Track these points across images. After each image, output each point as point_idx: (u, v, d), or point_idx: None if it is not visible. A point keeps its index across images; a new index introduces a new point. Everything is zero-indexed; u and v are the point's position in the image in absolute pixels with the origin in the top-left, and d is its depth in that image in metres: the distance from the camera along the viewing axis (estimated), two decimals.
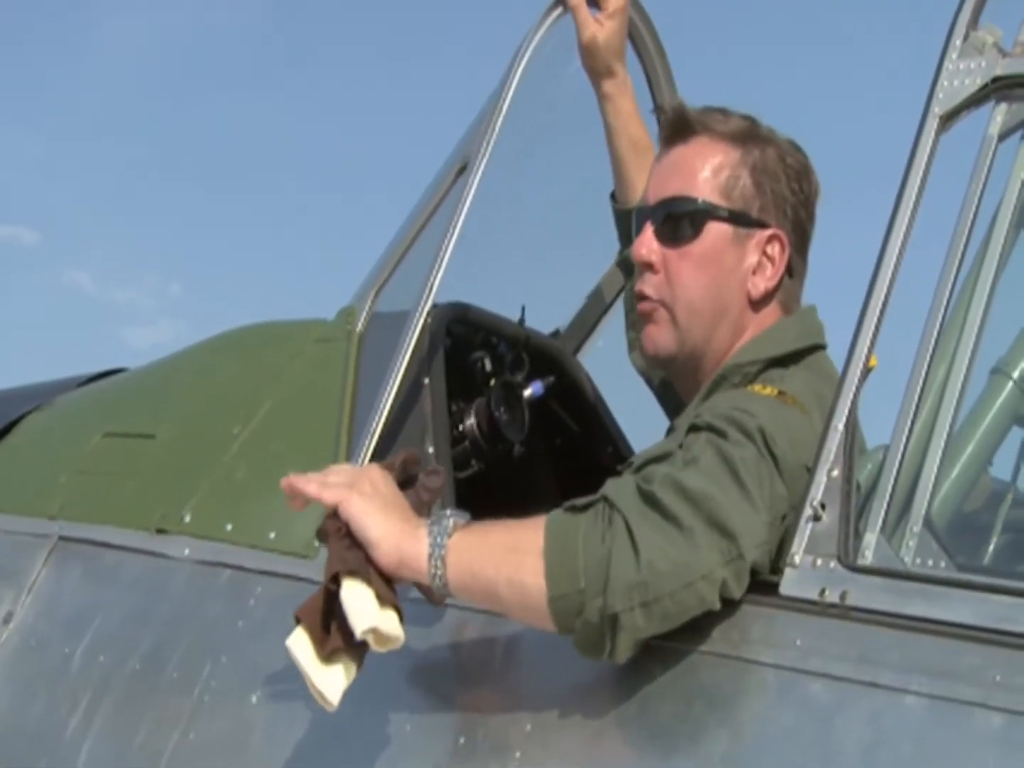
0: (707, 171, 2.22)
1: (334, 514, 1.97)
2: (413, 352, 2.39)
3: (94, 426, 3.00)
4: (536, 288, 3.04)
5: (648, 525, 1.80)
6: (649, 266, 2.24)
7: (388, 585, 1.93)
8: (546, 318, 3.01)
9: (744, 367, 2.15)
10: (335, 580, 1.94)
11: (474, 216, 2.44)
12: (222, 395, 2.83)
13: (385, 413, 2.35)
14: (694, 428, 1.94)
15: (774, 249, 2.22)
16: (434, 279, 2.40)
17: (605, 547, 1.80)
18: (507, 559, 1.88)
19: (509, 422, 2.71)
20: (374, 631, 1.91)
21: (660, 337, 2.24)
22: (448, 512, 1.96)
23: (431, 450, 2.46)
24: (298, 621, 1.98)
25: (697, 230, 2.20)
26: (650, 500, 1.82)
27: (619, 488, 1.87)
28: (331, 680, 1.95)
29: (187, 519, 2.59)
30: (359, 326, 2.68)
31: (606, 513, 1.83)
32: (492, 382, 2.74)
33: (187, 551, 2.55)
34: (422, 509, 2.03)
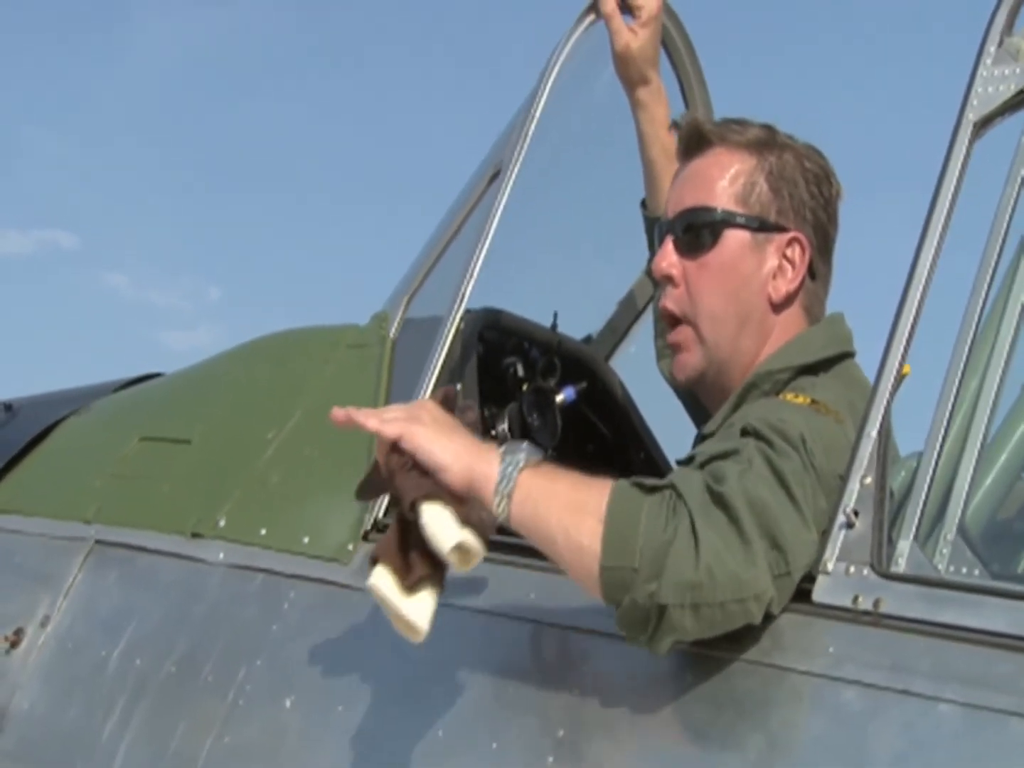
0: (724, 180, 2.23)
1: (394, 449, 1.96)
2: (446, 357, 2.41)
3: (130, 431, 3.03)
4: (568, 294, 3.05)
5: (712, 527, 1.78)
6: (669, 279, 2.26)
7: (462, 504, 1.93)
8: (578, 324, 3.01)
9: (775, 374, 2.14)
10: (412, 508, 1.94)
11: (506, 222, 2.44)
12: (256, 400, 2.85)
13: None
14: (742, 432, 1.93)
15: (794, 252, 2.22)
16: (467, 285, 2.41)
17: (667, 535, 1.78)
18: (569, 514, 1.86)
19: (541, 427, 2.72)
20: (459, 547, 1.91)
21: (689, 360, 2.26)
22: (523, 445, 1.94)
23: None
24: (375, 562, 1.98)
25: (715, 239, 2.22)
26: (719, 501, 1.80)
27: (687, 480, 1.85)
28: (419, 608, 1.96)
29: (222, 523, 2.61)
30: (392, 331, 2.69)
31: (672, 501, 1.82)
32: (524, 387, 2.75)
33: (222, 555, 2.57)
34: None
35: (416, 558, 1.95)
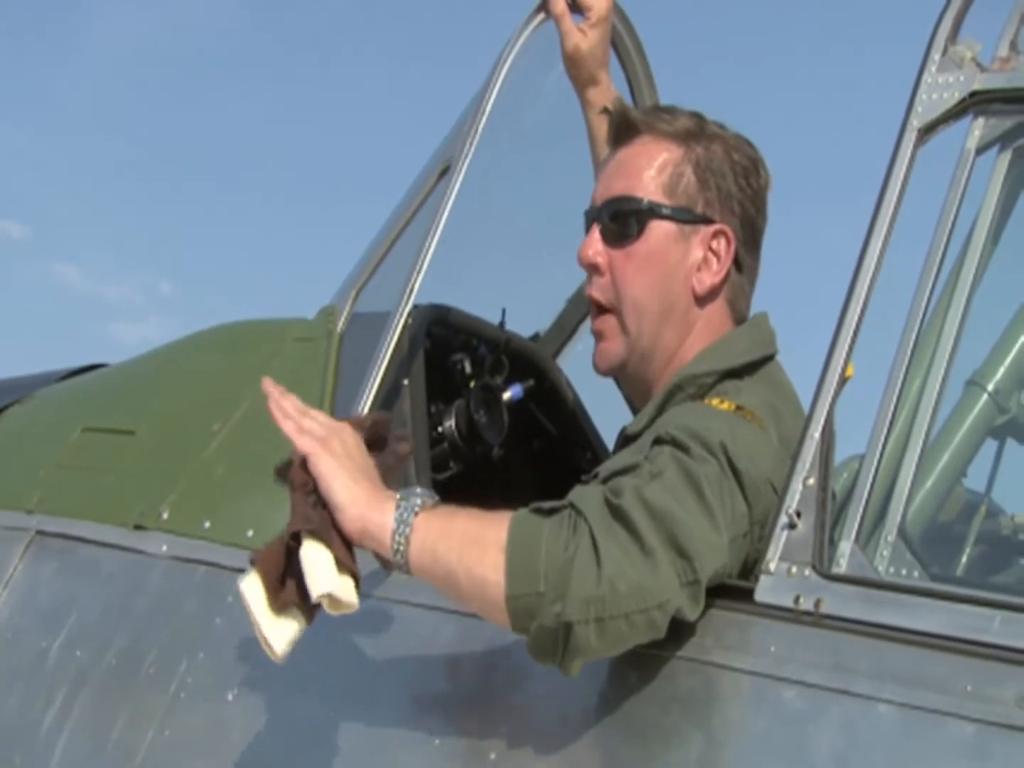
0: (651, 170, 2.23)
1: (303, 465, 1.96)
2: (393, 353, 2.40)
3: (74, 421, 3.00)
4: (516, 291, 3.06)
5: (612, 540, 1.79)
6: (595, 268, 2.26)
7: (348, 550, 1.93)
8: (526, 321, 3.02)
9: (699, 378, 2.14)
10: (295, 537, 1.93)
11: (456, 218, 2.44)
12: (202, 392, 2.84)
13: (364, 413, 2.36)
14: (657, 440, 1.93)
15: (719, 244, 2.22)
16: (415, 280, 2.41)
17: (568, 554, 1.79)
18: (470, 549, 1.87)
19: (488, 424, 2.72)
20: (329, 596, 1.90)
21: (612, 349, 2.26)
22: (418, 490, 1.96)
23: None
24: (253, 564, 1.97)
25: (641, 229, 2.22)
26: (617, 514, 1.81)
27: (586, 497, 1.86)
28: (280, 631, 1.95)
29: (165, 516, 2.59)
30: (339, 325, 2.68)
31: (572, 520, 1.82)
32: (471, 384, 2.75)
33: (165, 548, 2.55)
34: (387, 474, 2.02)
35: (291, 583, 1.94)
